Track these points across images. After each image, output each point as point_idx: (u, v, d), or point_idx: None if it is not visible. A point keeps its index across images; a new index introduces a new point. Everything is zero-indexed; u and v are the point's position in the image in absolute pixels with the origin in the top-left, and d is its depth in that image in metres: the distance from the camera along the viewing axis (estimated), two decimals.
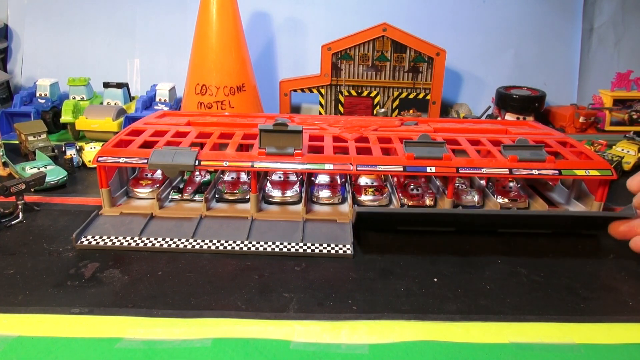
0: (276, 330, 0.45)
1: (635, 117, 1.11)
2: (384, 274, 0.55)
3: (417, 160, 0.63)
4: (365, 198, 0.69)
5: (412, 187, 0.71)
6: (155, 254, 0.58)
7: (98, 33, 1.24)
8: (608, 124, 1.11)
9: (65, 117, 0.98)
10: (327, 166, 0.63)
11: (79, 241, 0.59)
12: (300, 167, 0.64)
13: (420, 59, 1.07)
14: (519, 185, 0.74)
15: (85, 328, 0.45)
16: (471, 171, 0.63)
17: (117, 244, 0.59)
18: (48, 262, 0.56)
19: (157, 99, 1.06)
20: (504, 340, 0.45)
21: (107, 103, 1.05)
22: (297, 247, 0.59)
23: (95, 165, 0.64)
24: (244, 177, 0.74)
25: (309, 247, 0.59)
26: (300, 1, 1.22)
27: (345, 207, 0.69)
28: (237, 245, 0.59)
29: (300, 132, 0.64)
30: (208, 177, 0.75)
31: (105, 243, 0.59)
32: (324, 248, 0.59)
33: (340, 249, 0.59)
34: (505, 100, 1.09)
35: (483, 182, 0.73)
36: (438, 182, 0.72)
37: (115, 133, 0.85)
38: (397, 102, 1.11)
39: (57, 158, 0.85)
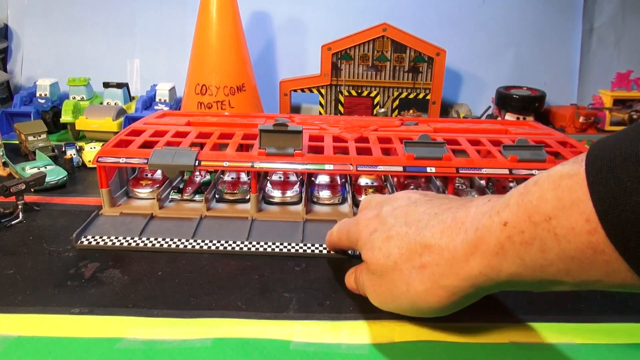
0: (276, 330, 0.45)
1: (635, 117, 1.11)
2: None
3: (417, 161, 0.63)
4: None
5: (412, 187, 0.71)
6: (155, 254, 0.58)
7: (98, 33, 1.24)
8: (608, 124, 1.11)
9: (65, 117, 0.98)
10: (327, 166, 0.63)
11: (79, 241, 0.59)
12: (300, 167, 0.64)
13: (420, 59, 1.07)
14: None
15: (85, 328, 0.45)
16: (471, 171, 0.63)
17: (117, 244, 0.59)
18: (48, 262, 0.56)
19: (157, 99, 1.06)
20: (504, 340, 0.45)
21: (107, 103, 1.05)
22: (297, 247, 0.59)
23: (95, 165, 0.64)
24: (244, 177, 0.74)
25: (309, 247, 0.59)
26: (300, 1, 1.22)
27: (346, 208, 0.69)
28: (237, 245, 0.59)
29: (300, 132, 0.64)
30: (208, 177, 0.75)
31: (105, 243, 0.59)
32: (324, 248, 0.59)
33: None
34: (505, 100, 1.09)
35: (483, 182, 0.73)
36: (438, 182, 0.72)
37: (115, 133, 0.85)
38: (397, 102, 1.11)
39: (57, 158, 0.85)
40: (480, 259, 0.32)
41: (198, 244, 0.59)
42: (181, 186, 0.72)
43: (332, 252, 0.57)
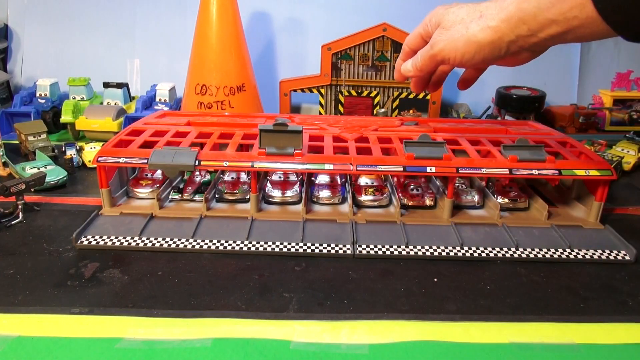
0: (276, 330, 0.45)
1: (635, 117, 1.11)
2: (384, 274, 0.55)
3: (417, 160, 0.63)
4: (365, 198, 0.69)
5: (412, 187, 0.71)
6: (155, 254, 0.58)
7: (98, 33, 1.24)
8: (608, 124, 1.11)
9: (65, 117, 0.98)
10: (327, 166, 0.63)
11: (79, 241, 0.59)
12: (300, 167, 0.64)
13: None
14: (519, 185, 0.74)
15: (85, 328, 0.45)
16: (471, 171, 0.63)
17: (117, 244, 0.59)
18: (48, 262, 0.56)
19: (157, 99, 1.06)
20: (504, 340, 0.45)
21: (107, 103, 1.05)
22: (297, 247, 0.59)
23: (95, 165, 0.64)
24: (244, 177, 0.74)
25: (309, 247, 0.59)
26: (300, 1, 1.22)
27: (345, 207, 0.69)
28: (237, 245, 0.59)
29: (300, 132, 0.64)
30: (208, 177, 0.75)
31: (105, 243, 0.59)
32: (324, 248, 0.59)
33: (340, 249, 0.59)
34: (505, 100, 1.09)
35: (483, 182, 0.73)
36: (438, 182, 0.72)
37: (115, 133, 0.85)
38: (397, 102, 1.11)
39: (57, 158, 0.85)
40: (515, 3, 0.47)
41: (198, 243, 0.59)
42: (181, 186, 0.72)
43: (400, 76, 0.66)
